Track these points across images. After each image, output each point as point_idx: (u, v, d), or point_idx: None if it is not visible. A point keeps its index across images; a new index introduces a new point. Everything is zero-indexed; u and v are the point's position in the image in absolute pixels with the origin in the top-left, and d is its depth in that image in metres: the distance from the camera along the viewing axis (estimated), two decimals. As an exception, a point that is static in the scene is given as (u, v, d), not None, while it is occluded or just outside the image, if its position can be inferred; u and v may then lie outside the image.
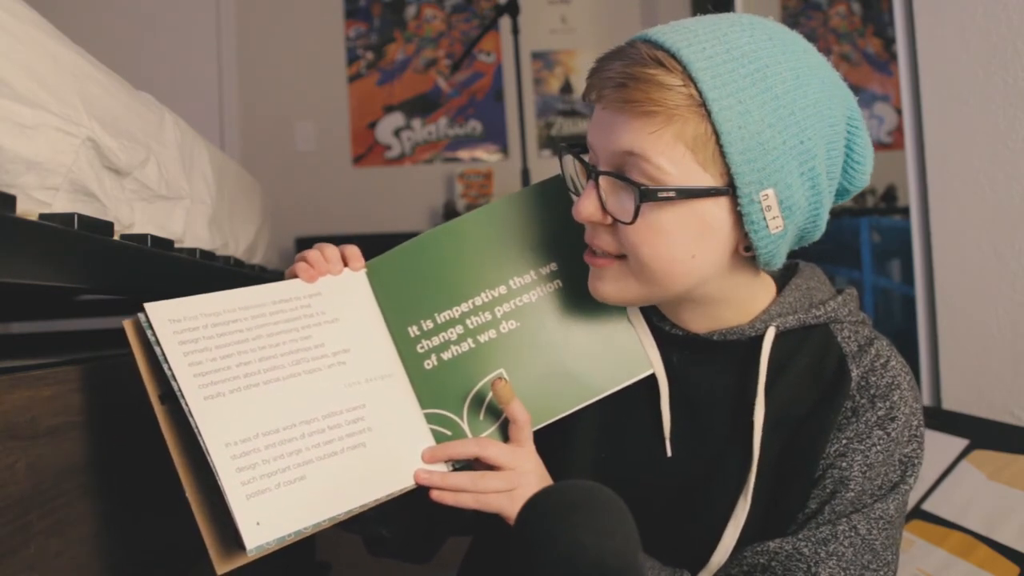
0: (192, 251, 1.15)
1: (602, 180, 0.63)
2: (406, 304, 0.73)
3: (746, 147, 0.58)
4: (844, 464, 0.66)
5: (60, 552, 0.65)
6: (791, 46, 0.62)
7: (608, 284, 0.66)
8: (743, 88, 0.58)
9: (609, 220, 0.63)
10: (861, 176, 0.67)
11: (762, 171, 0.59)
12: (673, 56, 0.59)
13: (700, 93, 0.58)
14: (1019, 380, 1.30)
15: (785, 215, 0.61)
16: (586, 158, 0.67)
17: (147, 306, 0.62)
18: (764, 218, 0.60)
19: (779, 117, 0.59)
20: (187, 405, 0.59)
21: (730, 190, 0.60)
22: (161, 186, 1.04)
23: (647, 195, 0.59)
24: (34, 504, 0.62)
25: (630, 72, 0.59)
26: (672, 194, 0.59)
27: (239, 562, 0.60)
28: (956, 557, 1.17)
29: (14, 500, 0.59)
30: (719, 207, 0.61)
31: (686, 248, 0.62)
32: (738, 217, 0.61)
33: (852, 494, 0.65)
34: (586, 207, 0.64)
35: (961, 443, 1.35)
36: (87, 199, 0.81)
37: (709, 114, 0.58)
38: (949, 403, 1.48)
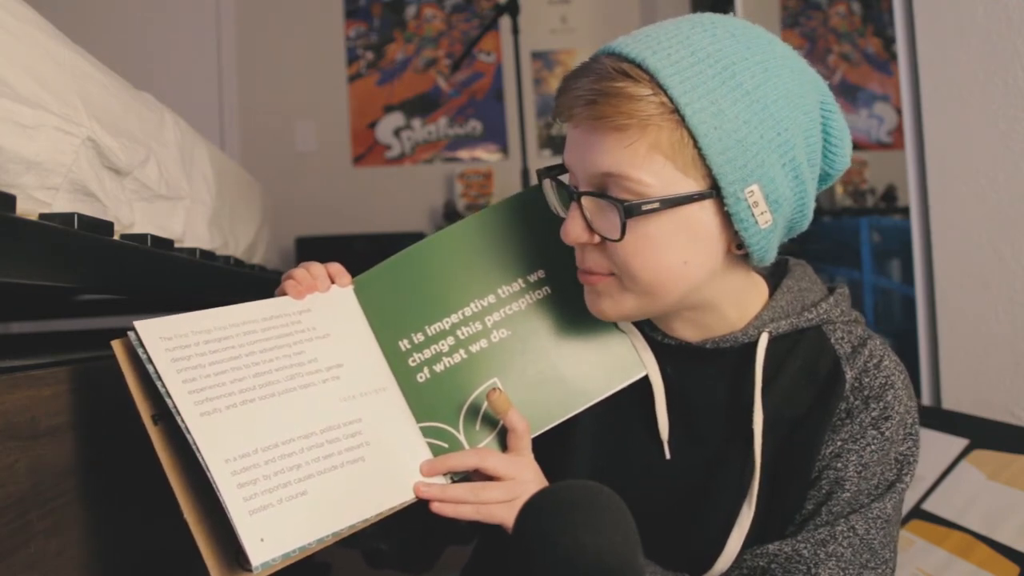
0: (192, 251, 1.15)
1: (584, 200, 0.63)
2: (395, 318, 0.73)
3: (725, 147, 0.58)
4: (839, 465, 0.66)
5: (60, 552, 0.65)
6: (755, 40, 0.62)
7: (605, 301, 0.66)
8: (713, 89, 0.58)
9: (597, 239, 0.63)
10: (841, 159, 0.66)
11: (744, 168, 0.59)
12: (639, 66, 0.58)
13: (671, 99, 0.57)
14: (1019, 380, 1.30)
15: (773, 208, 0.61)
16: (566, 179, 0.67)
17: (137, 324, 0.61)
18: (752, 215, 0.60)
19: (753, 112, 0.59)
20: (184, 422, 0.59)
21: (714, 192, 0.60)
22: (161, 186, 1.04)
23: (631, 210, 0.59)
24: (34, 504, 0.62)
25: (598, 88, 0.59)
26: (656, 205, 0.59)
27: None
28: (956, 557, 1.17)
29: (14, 500, 0.59)
30: (705, 210, 0.61)
31: (677, 255, 0.62)
32: (726, 217, 0.61)
33: (848, 494, 0.65)
34: (573, 229, 0.63)
35: (961, 443, 1.35)
36: (87, 199, 0.81)
37: (683, 119, 0.57)
38: (949, 403, 1.48)
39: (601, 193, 0.61)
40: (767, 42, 0.62)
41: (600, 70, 0.60)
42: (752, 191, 0.59)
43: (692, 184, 0.60)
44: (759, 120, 0.59)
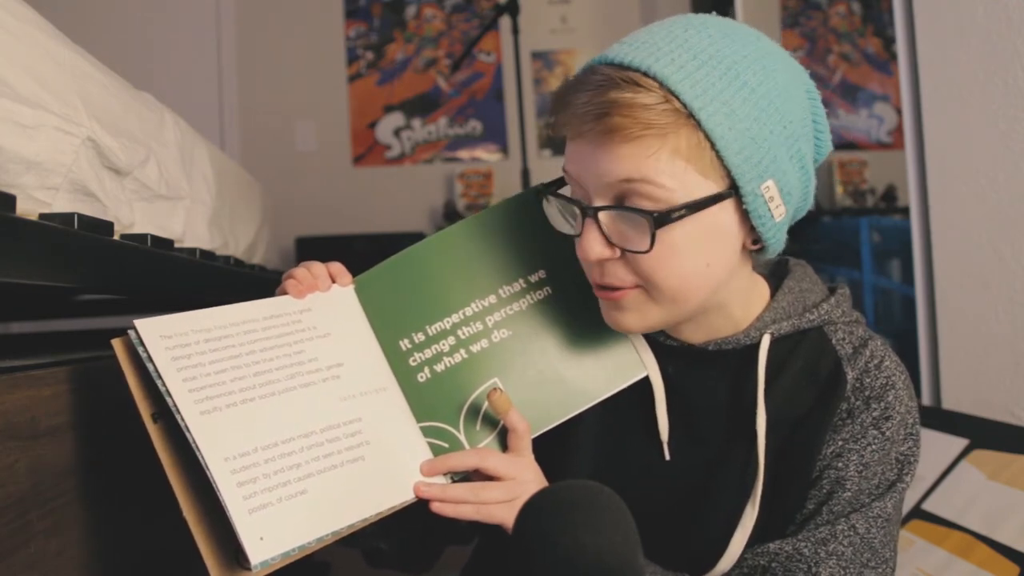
0: (192, 251, 1.15)
1: (602, 215, 0.61)
2: (396, 318, 0.73)
3: (741, 146, 0.58)
4: (840, 464, 0.66)
5: (60, 552, 0.65)
6: (746, 37, 0.62)
7: (630, 315, 0.65)
8: (722, 90, 0.58)
9: (619, 253, 0.62)
10: (827, 143, 0.67)
11: (759, 165, 0.59)
12: (645, 73, 0.58)
13: (684, 105, 0.57)
14: (1019, 380, 1.30)
15: (786, 201, 0.62)
16: (567, 192, 0.66)
17: (138, 323, 0.61)
18: (769, 209, 0.61)
19: (761, 109, 0.59)
20: (183, 421, 0.58)
21: (733, 191, 0.60)
22: (161, 186, 1.04)
23: (661, 220, 0.58)
24: (34, 504, 0.62)
25: (607, 100, 0.57)
26: (684, 212, 0.58)
27: None
28: (956, 557, 1.17)
29: (14, 500, 0.59)
30: (724, 210, 0.61)
31: (701, 259, 0.61)
32: (743, 214, 0.61)
33: (849, 494, 0.65)
34: (593, 247, 0.61)
35: (961, 443, 1.35)
36: (87, 199, 0.81)
37: (699, 123, 0.57)
38: (949, 403, 1.48)
39: (623, 206, 0.60)
40: (756, 38, 0.63)
41: (602, 81, 0.58)
42: (768, 186, 0.60)
43: (712, 186, 0.60)
44: (767, 116, 0.59)
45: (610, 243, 0.61)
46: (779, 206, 0.61)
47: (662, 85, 0.57)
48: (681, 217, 0.59)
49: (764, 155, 0.59)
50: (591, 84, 0.59)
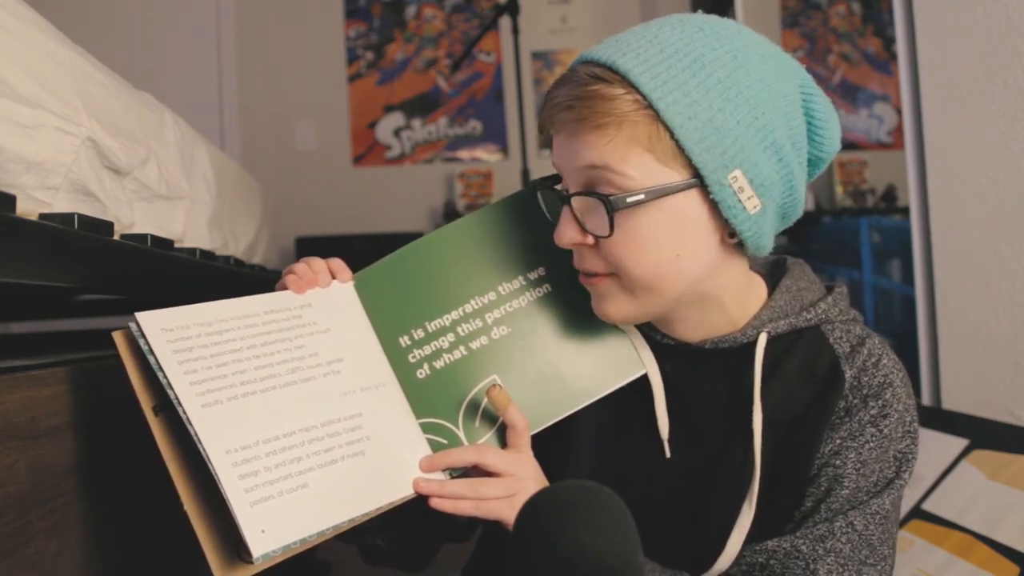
0: (192, 251, 1.15)
1: (574, 201, 0.64)
2: (396, 314, 0.73)
3: (701, 136, 0.59)
4: (838, 462, 0.66)
5: (60, 552, 0.65)
6: (723, 31, 0.63)
7: (608, 304, 0.67)
8: (684, 81, 0.59)
9: (591, 239, 0.64)
10: (830, 141, 0.67)
11: (723, 155, 0.60)
12: (610, 68, 0.60)
13: (644, 96, 0.59)
14: (1019, 380, 1.30)
15: (760, 193, 0.61)
16: (559, 187, 0.69)
17: (139, 316, 0.61)
18: (739, 200, 0.61)
19: (727, 99, 0.60)
20: (185, 413, 0.59)
21: (697, 180, 0.60)
22: (161, 186, 1.04)
23: (616, 203, 0.60)
24: (34, 504, 0.62)
25: (576, 94, 0.61)
26: (641, 197, 0.60)
27: (244, 573, 0.59)
28: (956, 557, 1.17)
29: (14, 500, 0.59)
30: (691, 200, 0.61)
31: (669, 249, 0.62)
32: (713, 206, 0.62)
33: (847, 491, 0.66)
34: (566, 231, 0.65)
35: (961, 443, 1.35)
36: (87, 199, 0.81)
37: (657, 113, 0.59)
38: (949, 403, 1.48)
39: (588, 191, 0.63)
40: (735, 32, 0.63)
41: (576, 79, 0.62)
42: (735, 176, 0.60)
43: (675, 175, 0.61)
44: (734, 107, 0.60)
45: (583, 230, 0.64)
46: (751, 197, 0.61)
47: (624, 78, 0.59)
48: (639, 202, 0.60)
49: (729, 145, 0.60)
50: (568, 82, 0.63)
